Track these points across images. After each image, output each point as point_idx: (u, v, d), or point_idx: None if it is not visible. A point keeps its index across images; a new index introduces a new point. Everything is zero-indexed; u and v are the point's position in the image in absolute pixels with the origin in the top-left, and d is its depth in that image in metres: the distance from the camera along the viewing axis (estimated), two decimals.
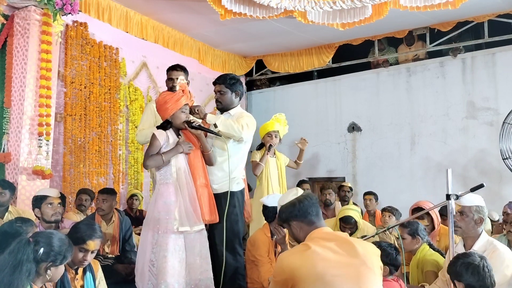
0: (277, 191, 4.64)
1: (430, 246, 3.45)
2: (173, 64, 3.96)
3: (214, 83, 3.69)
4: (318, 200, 2.27)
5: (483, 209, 2.95)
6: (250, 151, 4.90)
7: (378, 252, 2.14)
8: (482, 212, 2.94)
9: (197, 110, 3.39)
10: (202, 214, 3.18)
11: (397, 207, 4.79)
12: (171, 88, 3.65)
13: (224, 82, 3.61)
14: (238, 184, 3.62)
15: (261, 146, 4.92)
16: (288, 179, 6.74)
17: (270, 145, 4.79)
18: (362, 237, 3.38)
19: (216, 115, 3.53)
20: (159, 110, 3.26)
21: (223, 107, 3.64)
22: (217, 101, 3.67)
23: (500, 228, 4.63)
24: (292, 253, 2.15)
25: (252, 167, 4.74)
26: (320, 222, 2.18)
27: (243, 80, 8.53)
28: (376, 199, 5.86)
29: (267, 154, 4.78)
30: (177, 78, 3.68)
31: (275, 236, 3.74)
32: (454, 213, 2.69)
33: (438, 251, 3.44)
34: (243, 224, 3.88)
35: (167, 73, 3.86)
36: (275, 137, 4.83)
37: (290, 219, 2.20)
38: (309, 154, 7.88)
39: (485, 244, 2.87)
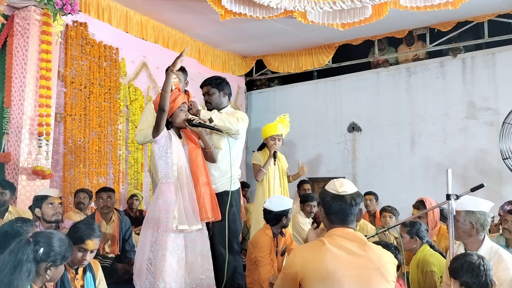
0: (278, 191, 4.62)
1: (431, 246, 3.44)
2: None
3: (201, 86, 3.75)
4: (360, 202, 2.20)
5: (475, 215, 2.76)
6: (253, 151, 4.89)
7: (395, 262, 2.13)
8: (475, 218, 2.75)
9: (191, 105, 3.42)
10: (206, 212, 3.17)
11: (397, 207, 4.80)
12: None
13: (210, 83, 3.68)
14: (235, 183, 3.64)
15: (261, 147, 4.87)
16: None
17: (275, 151, 4.70)
18: None
19: (209, 111, 3.55)
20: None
21: (213, 108, 3.67)
22: (206, 102, 3.72)
23: (496, 229, 4.63)
24: (307, 247, 2.17)
25: (254, 172, 4.66)
26: (345, 223, 2.13)
27: (243, 80, 8.54)
28: (376, 199, 5.87)
29: (271, 159, 4.65)
30: (175, 78, 3.69)
31: (277, 236, 3.76)
32: (454, 213, 2.68)
33: (439, 251, 3.44)
34: (241, 223, 3.88)
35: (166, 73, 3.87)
36: (278, 140, 4.74)
37: (322, 205, 2.21)
38: (309, 154, 7.90)
39: (489, 252, 2.72)
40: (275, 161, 4.66)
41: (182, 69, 3.85)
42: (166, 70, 3.16)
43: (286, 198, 3.95)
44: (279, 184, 4.72)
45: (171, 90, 3.14)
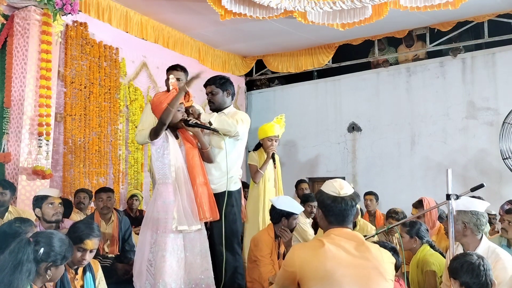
0: (272, 192, 4.61)
1: (431, 246, 3.44)
2: (172, 64, 3.96)
3: (205, 85, 3.73)
4: (358, 202, 2.22)
5: (467, 214, 2.81)
6: (249, 151, 4.88)
7: (393, 260, 2.13)
8: (467, 218, 2.80)
9: (191, 110, 3.42)
10: (203, 212, 3.17)
11: (397, 207, 4.77)
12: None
13: (214, 82, 3.66)
14: (236, 183, 3.63)
15: (257, 147, 4.84)
16: (288, 179, 6.77)
17: (273, 153, 4.67)
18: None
19: (209, 114, 3.55)
20: (155, 111, 3.25)
21: (216, 108, 3.67)
22: (209, 102, 3.71)
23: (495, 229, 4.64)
24: (306, 246, 2.16)
25: (251, 173, 4.63)
26: (344, 224, 2.13)
27: (243, 80, 8.54)
28: (377, 199, 5.87)
29: (269, 161, 4.59)
30: (178, 79, 3.68)
31: (279, 237, 3.74)
32: (455, 213, 2.68)
33: (439, 251, 3.43)
34: (241, 223, 3.88)
35: (167, 73, 3.86)
36: (275, 141, 4.69)
37: (320, 207, 2.20)
38: (309, 154, 7.90)
39: (486, 251, 2.75)
40: (274, 163, 4.63)
41: (184, 69, 3.85)
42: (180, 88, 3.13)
43: (295, 203, 3.86)
44: (273, 185, 4.71)
45: (173, 92, 3.15)
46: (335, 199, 2.13)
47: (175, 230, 3.03)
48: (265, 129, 4.69)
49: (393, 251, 2.98)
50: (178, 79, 3.69)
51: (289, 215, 3.69)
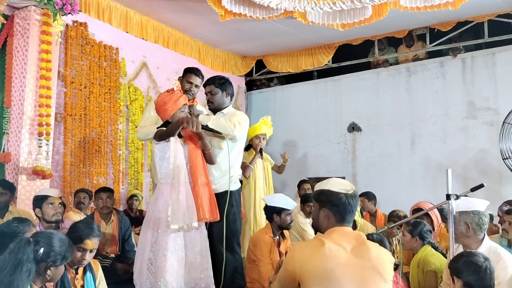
0: (263, 191, 4.71)
1: (433, 247, 3.43)
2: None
3: (204, 85, 3.74)
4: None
5: (469, 215, 2.82)
6: None
7: (392, 260, 2.13)
8: (469, 218, 2.81)
9: (191, 110, 3.43)
10: (203, 212, 3.17)
11: (397, 207, 4.76)
12: (187, 91, 3.67)
13: (214, 82, 3.68)
14: (235, 183, 3.65)
15: (248, 147, 4.95)
16: (288, 179, 6.77)
17: (261, 148, 4.85)
18: None
19: (207, 116, 3.55)
20: (159, 112, 3.27)
21: (215, 107, 3.68)
22: (208, 101, 3.73)
23: (495, 229, 4.62)
24: (306, 245, 2.16)
25: (242, 168, 4.74)
26: (347, 223, 2.14)
27: (243, 80, 8.54)
28: (370, 199, 5.74)
29: (258, 157, 4.82)
30: (196, 86, 3.70)
31: (277, 236, 3.75)
32: (455, 213, 2.68)
33: (441, 252, 3.43)
34: (241, 223, 3.89)
35: (185, 74, 3.81)
36: (263, 139, 4.89)
37: (326, 205, 2.14)
38: (309, 154, 7.90)
39: (488, 251, 2.74)
40: (262, 156, 4.82)
41: (201, 76, 3.81)
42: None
43: (288, 199, 3.89)
44: (264, 183, 4.78)
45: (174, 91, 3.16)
46: (347, 197, 2.12)
47: (173, 230, 3.03)
48: (253, 128, 4.89)
49: (380, 243, 2.92)
50: (196, 86, 3.71)
51: (280, 211, 3.71)
